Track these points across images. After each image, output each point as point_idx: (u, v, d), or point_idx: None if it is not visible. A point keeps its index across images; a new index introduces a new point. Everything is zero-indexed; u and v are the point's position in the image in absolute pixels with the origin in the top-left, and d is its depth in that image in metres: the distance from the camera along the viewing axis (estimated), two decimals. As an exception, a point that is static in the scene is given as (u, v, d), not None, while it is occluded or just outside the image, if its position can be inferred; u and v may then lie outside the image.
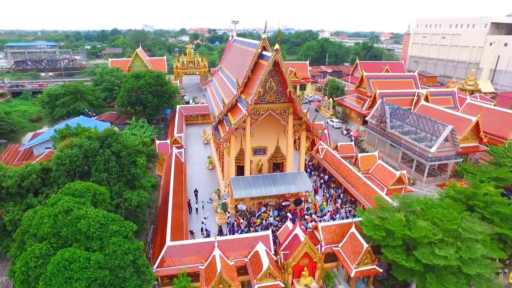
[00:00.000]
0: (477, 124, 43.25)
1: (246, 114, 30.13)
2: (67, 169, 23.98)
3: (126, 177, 26.37)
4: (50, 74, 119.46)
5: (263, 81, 29.55)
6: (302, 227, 30.80)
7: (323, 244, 25.97)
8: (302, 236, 24.25)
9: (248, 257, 24.06)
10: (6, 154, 42.05)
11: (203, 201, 35.80)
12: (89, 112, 60.07)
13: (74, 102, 57.40)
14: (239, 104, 33.19)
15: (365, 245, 23.17)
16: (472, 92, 77.30)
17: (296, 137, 37.69)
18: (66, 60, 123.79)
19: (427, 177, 41.75)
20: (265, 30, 31.81)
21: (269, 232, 26.20)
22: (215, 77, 50.83)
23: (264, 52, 32.22)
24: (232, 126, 30.67)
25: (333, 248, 25.68)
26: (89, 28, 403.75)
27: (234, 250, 24.97)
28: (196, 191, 36.90)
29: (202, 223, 31.74)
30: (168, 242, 24.69)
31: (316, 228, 27.41)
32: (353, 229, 25.00)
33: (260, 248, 23.59)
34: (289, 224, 27.73)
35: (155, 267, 23.57)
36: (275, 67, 29.69)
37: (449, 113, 46.53)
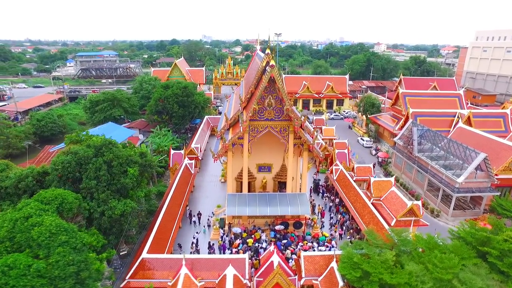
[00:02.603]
0: (522, 153, 37.35)
1: (241, 130, 29.53)
2: (59, 174, 25.47)
3: (116, 185, 27.24)
4: (109, 81, 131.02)
5: (258, 98, 28.78)
6: (294, 253, 29.23)
7: (303, 275, 24.05)
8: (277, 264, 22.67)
9: (218, 280, 23.13)
10: (41, 154, 46.48)
11: (204, 226, 34.23)
12: (124, 119, 64.17)
13: (111, 108, 61.90)
14: (240, 120, 32.69)
15: (340, 283, 20.89)
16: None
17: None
18: (121, 69, 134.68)
19: (454, 209, 36.92)
20: (268, 45, 31.04)
21: (245, 256, 24.93)
22: (236, 90, 51.04)
23: (268, 68, 31.40)
24: (227, 142, 30.27)
25: (313, 281, 23.62)
26: (153, 38, 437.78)
27: (208, 270, 24.24)
28: (199, 213, 35.34)
29: (193, 237, 31.54)
30: (144, 254, 24.80)
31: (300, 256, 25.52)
32: (333, 264, 22.78)
33: (229, 272, 22.50)
34: (272, 247, 26.16)
35: (127, 277, 23.87)
36: (272, 83, 28.75)
37: (490, 139, 40.88)
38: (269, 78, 27.95)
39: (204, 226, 34.25)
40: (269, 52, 31.05)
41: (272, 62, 27.50)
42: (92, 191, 26.16)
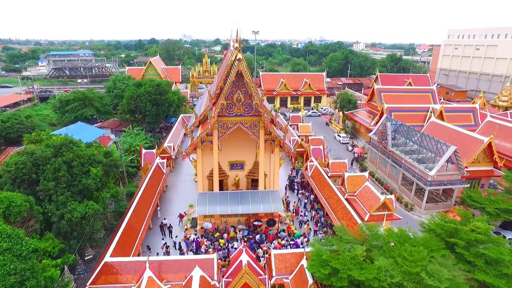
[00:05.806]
0: (490, 145, 38.15)
1: (210, 127, 28.62)
2: (12, 176, 23.79)
3: (77, 187, 25.75)
4: (85, 80, 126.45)
5: (226, 93, 27.94)
6: (267, 252, 28.56)
7: (274, 274, 23.40)
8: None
9: (184, 282, 22.16)
10: (3, 156, 43.90)
11: (176, 236, 31.31)
12: (96, 118, 61.79)
13: (82, 108, 59.43)
14: (208, 116, 31.72)
15: (310, 281, 20.36)
16: (506, 109, 70.01)
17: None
18: (97, 68, 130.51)
19: (427, 202, 37.28)
20: (237, 39, 30.16)
21: (214, 256, 24.04)
22: (209, 87, 49.94)
23: (235, 62, 30.55)
24: (195, 139, 29.28)
25: (284, 280, 23.02)
26: (131, 37, 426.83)
27: (174, 272, 23.22)
28: (170, 226, 32.56)
29: (162, 239, 30.37)
30: (107, 258, 23.51)
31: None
32: (303, 261, 22.24)
33: (196, 273, 21.57)
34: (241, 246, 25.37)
35: (89, 283, 22.53)
36: (240, 78, 27.96)
37: (460, 132, 41.62)
38: (236, 72, 27.14)
39: (176, 236, 31.52)
40: (238, 46, 30.31)
41: (239, 56, 26.66)
42: (51, 193, 24.63)
